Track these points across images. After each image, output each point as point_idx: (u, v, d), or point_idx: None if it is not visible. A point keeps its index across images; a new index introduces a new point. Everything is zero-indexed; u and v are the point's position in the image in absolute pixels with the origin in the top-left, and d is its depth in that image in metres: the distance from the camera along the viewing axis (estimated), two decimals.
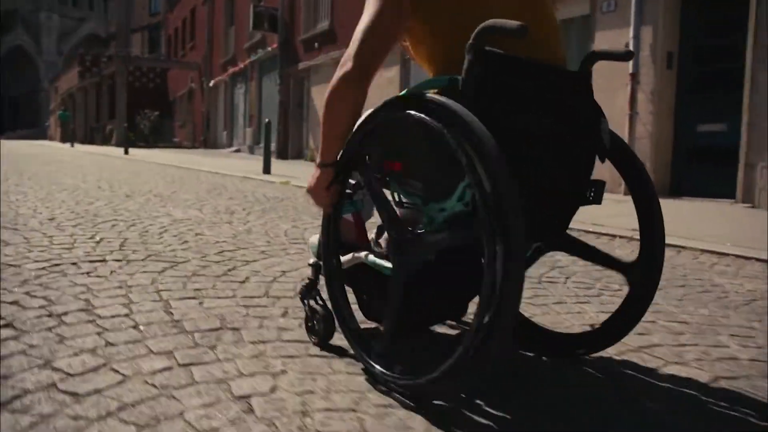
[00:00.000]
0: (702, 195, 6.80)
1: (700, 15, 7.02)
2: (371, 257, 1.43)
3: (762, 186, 6.23)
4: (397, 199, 1.45)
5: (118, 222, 3.75)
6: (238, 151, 19.89)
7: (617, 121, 7.36)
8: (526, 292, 2.15)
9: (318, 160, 1.48)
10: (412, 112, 1.22)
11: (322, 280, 1.58)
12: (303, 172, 9.70)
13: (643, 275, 1.46)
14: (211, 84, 24.08)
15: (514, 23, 1.13)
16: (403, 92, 1.33)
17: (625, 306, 1.50)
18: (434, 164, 1.27)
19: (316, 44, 14.32)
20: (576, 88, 1.41)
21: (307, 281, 1.66)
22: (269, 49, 17.20)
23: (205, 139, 24.56)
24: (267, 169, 9.11)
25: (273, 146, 16.59)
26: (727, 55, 6.87)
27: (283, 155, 15.90)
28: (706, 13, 6.99)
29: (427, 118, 1.18)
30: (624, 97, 7.37)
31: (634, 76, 7.18)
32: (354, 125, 1.40)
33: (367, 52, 1.35)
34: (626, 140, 7.01)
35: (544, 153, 1.35)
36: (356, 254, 1.48)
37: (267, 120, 9.37)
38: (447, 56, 1.33)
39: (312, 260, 1.66)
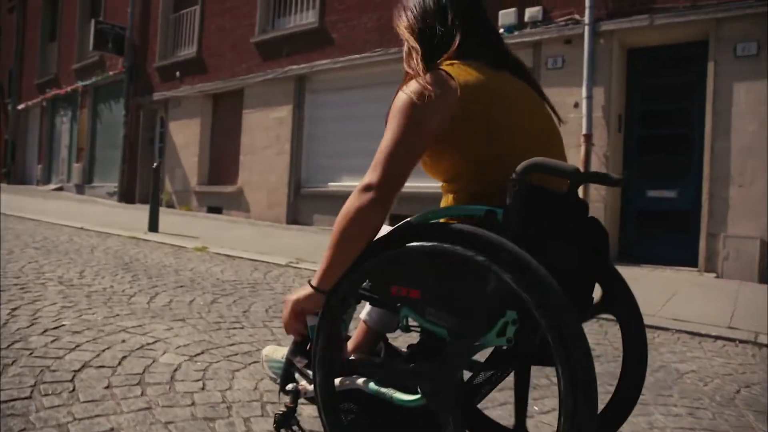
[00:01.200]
0: (655, 261, 6.64)
1: (647, 78, 7.00)
2: (373, 385, 1.33)
3: (725, 255, 6.21)
4: (403, 323, 1.32)
5: None
6: (60, 189, 16.55)
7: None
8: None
9: (313, 280, 1.37)
10: (448, 246, 1.18)
11: None
12: (199, 229, 7.88)
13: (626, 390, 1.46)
14: (19, 107, 20.08)
15: (569, 166, 1.20)
16: (417, 218, 1.29)
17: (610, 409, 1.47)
18: (471, 298, 1.18)
19: (177, 73, 12.38)
20: (589, 217, 1.40)
21: (285, 410, 1.56)
22: (110, 73, 14.63)
23: (8, 173, 20.27)
24: (154, 226, 7.16)
25: (114, 187, 14.01)
26: (675, 120, 6.91)
27: (128, 198, 13.41)
28: (653, 77, 6.99)
29: (468, 252, 1.15)
30: (576, 157, 7.03)
31: (589, 138, 6.89)
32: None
33: (394, 176, 1.27)
34: None
35: (568, 285, 1.18)
36: (349, 378, 1.39)
37: (156, 164, 7.42)
38: (472, 182, 1.33)
39: (290, 386, 1.51)
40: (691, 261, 6.43)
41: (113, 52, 13.81)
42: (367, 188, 1.27)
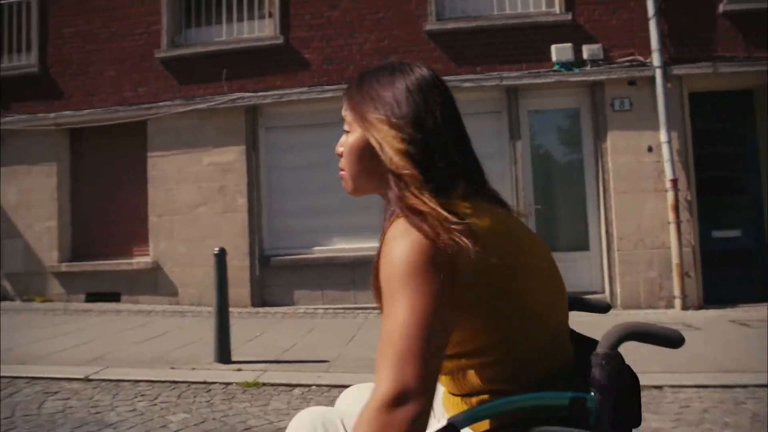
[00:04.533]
0: (734, 302, 6.76)
1: (706, 122, 7.14)
2: None
3: None
4: None
5: None
6: None
7: (651, 230, 6.74)
8: None
9: None
10: None
11: None
12: (111, 341, 5.14)
13: None
14: None
15: (674, 332, 1.02)
16: (464, 416, 0.95)
17: None
18: None
19: None
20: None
21: None
22: None
23: None
24: None
25: None
26: (731, 162, 7.21)
27: None
28: (711, 121, 7.16)
29: None
30: (660, 203, 6.79)
31: (675, 183, 6.69)
32: None
33: (432, 371, 0.89)
34: (672, 251, 6.52)
35: None
36: None
37: None
38: (504, 354, 1.02)
39: None
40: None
41: None
42: (402, 398, 0.85)
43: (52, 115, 7.99)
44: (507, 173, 7.15)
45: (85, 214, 8.13)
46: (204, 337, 5.48)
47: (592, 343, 1.07)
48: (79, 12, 8.07)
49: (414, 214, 0.97)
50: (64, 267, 7.92)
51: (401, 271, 0.93)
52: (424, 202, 0.99)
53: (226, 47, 7.69)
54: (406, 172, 1.02)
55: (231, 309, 7.22)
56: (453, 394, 1.11)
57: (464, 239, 0.95)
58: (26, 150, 8.07)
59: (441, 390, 1.21)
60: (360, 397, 1.33)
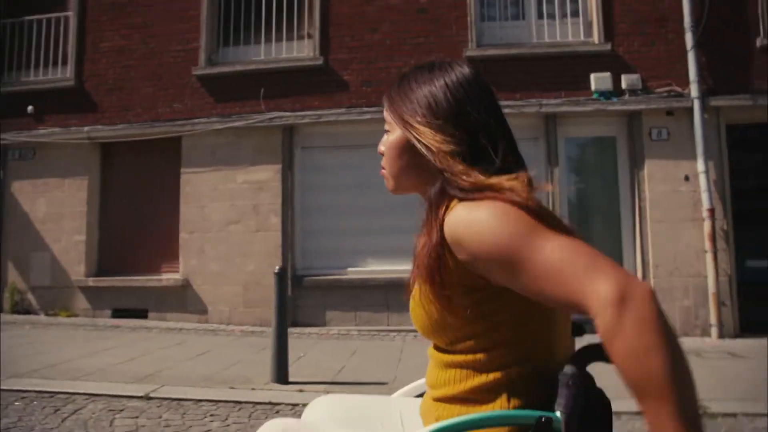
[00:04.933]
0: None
1: (741, 153, 7.21)
2: None
3: None
4: None
5: None
6: None
7: (687, 259, 6.76)
8: None
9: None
10: None
11: None
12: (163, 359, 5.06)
13: None
14: None
15: None
16: (434, 428, 0.97)
17: None
18: None
19: (29, 108, 8.12)
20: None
21: None
22: None
23: None
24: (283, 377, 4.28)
25: None
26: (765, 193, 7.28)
27: None
28: (746, 152, 7.23)
29: None
30: (695, 232, 6.81)
31: (712, 212, 6.73)
32: None
33: (618, 267, 0.86)
34: (709, 280, 6.54)
35: None
36: None
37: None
38: (522, 356, 1.02)
39: None
40: None
41: None
42: (623, 297, 0.80)
43: (86, 128, 7.96)
44: (542, 198, 7.16)
45: (113, 228, 8.06)
46: (248, 357, 5.41)
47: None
48: (117, 28, 8.11)
49: (482, 190, 0.98)
50: (91, 281, 7.81)
51: (519, 228, 0.92)
52: (487, 177, 1.00)
53: (264, 66, 7.73)
54: (456, 168, 1.01)
55: (262, 328, 7.19)
56: (439, 399, 1.08)
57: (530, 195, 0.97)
58: (58, 163, 8.03)
59: (416, 404, 1.21)
60: (330, 409, 1.31)
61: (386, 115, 1.15)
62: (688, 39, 6.95)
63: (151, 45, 8.04)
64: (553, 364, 1.01)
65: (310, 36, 7.78)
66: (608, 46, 7.17)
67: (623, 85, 7.06)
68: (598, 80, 7.05)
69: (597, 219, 7.33)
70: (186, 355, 5.43)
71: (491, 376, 1.02)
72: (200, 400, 3.95)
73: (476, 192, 0.98)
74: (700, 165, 6.81)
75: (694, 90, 6.91)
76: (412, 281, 1.10)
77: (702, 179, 6.80)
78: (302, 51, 7.84)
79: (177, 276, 7.65)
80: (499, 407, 1.01)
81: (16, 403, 3.81)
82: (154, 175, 7.99)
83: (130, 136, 7.93)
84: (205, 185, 7.67)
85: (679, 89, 7.03)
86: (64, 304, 7.81)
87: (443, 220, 1.00)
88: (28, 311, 7.89)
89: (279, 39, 7.92)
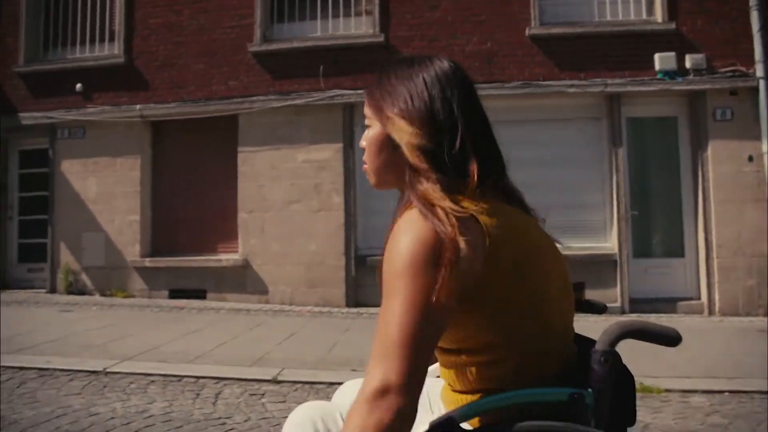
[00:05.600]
0: None
1: None
2: None
3: None
4: None
5: None
6: None
7: (750, 239, 6.87)
8: None
9: None
10: None
11: None
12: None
13: None
14: None
15: (672, 331, 1.03)
16: (463, 411, 1.00)
17: None
18: None
19: (78, 86, 7.93)
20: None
21: None
22: None
23: None
24: None
25: None
26: None
27: None
28: None
29: None
30: (753, 213, 6.92)
31: None
32: None
33: (418, 367, 0.93)
34: None
35: None
36: None
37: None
38: (510, 352, 1.03)
39: None
40: None
41: None
42: (383, 392, 0.89)
43: (138, 106, 7.80)
44: (606, 179, 7.23)
45: (167, 209, 7.96)
46: (336, 338, 5.44)
47: (594, 343, 1.08)
48: (167, 4, 7.91)
49: (424, 206, 0.99)
50: (148, 262, 7.74)
51: (401, 264, 0.95)
52: (435, 195, 1.00)
53: (322, 43, 7.61)
54: (421, 166, 1.04)
55: (324, 308, 7.21)
56: (455, 391, 1.12)
57: (470, 234, 0.96)
58: (108, 142, 7.88)
59: (440, 385, 1.22)
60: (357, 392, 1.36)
61: (366, 110, 1.15)
62: (754, 19, 6.96)
63: (201, 21, 7.86)
64: (556, 344, 1.07)
65: (368, 12, 7.66)
66: (672, 25, 7.15)
67: (687, 65, 7.07)
68: (663, 60, 7.05)
69: (657, 199, 7.39)
70: (277, 337, 5.42)
71: (492, 370, 1.04)
72: (331, 383, 3.96)
73: (419, 203, 1.01)
74: (765, 145, 6.89)
75: (759, 70, 6.94)
76: None
77: (766, 159, 6.88)
78: (360, 28, 7.72)
79: (236, 256, 7.60)
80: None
81: (151, 387, 3.80)
82: (209, 153, 7.88)
83: (183, 114, 7.79)
84: (264, 164, 7.58)
85: (743, 69, 7.06)
86: (119, 284, 7.74)
87: (394, 223, 1.05)
88: (82, 292, 7.81)
89: (336, 15, 7.78)
